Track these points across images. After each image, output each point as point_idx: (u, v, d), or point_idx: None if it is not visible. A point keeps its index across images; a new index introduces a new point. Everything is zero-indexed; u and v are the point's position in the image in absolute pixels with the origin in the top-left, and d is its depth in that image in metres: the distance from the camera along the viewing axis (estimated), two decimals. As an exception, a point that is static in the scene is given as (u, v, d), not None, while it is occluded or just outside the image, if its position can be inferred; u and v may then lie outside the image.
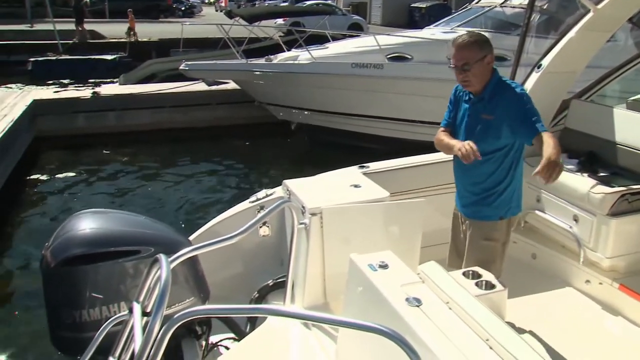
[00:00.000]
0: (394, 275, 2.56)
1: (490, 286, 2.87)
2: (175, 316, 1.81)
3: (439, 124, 3.45)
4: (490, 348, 2.12)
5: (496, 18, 11.50)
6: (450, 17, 12.80)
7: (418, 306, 2.32)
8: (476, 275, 2.96)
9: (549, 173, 2.73)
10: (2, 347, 5.23)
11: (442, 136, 3.35)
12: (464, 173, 3.30)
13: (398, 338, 1.74)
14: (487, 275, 2.97)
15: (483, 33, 9.77)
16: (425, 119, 10.35)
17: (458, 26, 11.42)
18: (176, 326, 1.80)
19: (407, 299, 2.35)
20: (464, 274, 2.97)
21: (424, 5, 31.95)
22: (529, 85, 4.25)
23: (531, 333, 3.20)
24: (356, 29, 23.90)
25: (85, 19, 22.26)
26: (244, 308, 2.14)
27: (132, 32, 22.84)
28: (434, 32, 11.77)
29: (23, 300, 6.05)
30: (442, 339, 2.14)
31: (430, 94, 9.82)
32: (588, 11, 4.07)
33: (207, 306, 2.88)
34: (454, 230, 3.56)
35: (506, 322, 2.37)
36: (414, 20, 31.53)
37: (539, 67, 4.25)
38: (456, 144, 3.14)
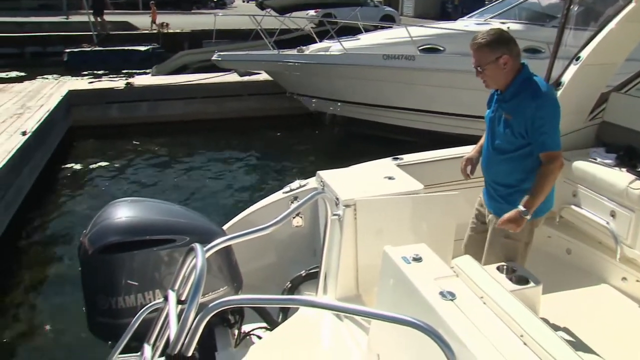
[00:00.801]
0: (427, 268, 2.54)
1: (524, 281, 2.85)
2: (211, 305, 1.83)
3: (470, 116, 3.46)
4: (525, 344, 2.10)
5: (531, 9, 11.32)
6: (484, 8, 12.61)
7: (452, 300, 2.30)
8: (510, 270, 2.94)
9: (508, 226, 3.03)
10: (39, 333, 5.35)
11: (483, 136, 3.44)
12: (488, 168, 3.28)
13: (432, 332, 1.73)
14: (521, 271, 2.94)
15: (520, 23, 9.55)
16: (457, 112, 10.26)
17: (492, 17, 11.27)
18: (211, 315, 1.82)
19: (441, 293, 2.34)
20: (498, 268, 2.95)
21: (457, -3, 31.62)
22: (566, 78, 4.18)
23: (565, 330, 3.16)
24: (388, 21, 23.75)
25: (106, 10, 22.34)
26: (279, 299, 2.15)
27: (162, 24, 23.03)
28: (467, 23, 11.63)
29: (60, 286, 6.16)
30: (476, 334, 2.12)
31: (462, 86, 9.72)
32: (629, 2, 3.98)
33: (242, 296, 2.89)
34: (475, 222, 3.53)
35: (540, 318, 2.34)
36: (447, 12, 31.18)
37: (577, 60, 4.17)
38: (470, 151, 3.49)
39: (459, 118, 10.11)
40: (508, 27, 10.50)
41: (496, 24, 10.73)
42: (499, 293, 2.38)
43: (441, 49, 10.72)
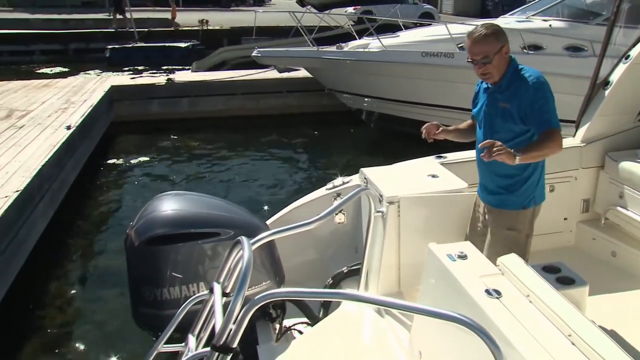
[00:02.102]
0: (473, 266, 2.52)
1: (570, 281, 2.80)
2: (257, 297, 1.85)
3: None
4: (573, 344, 2.07)
5: (574, 6, 11.08)
6: (526, 5, 12.40)
7: (498, 298, 2.28)
8: (556, 270, 2.89)
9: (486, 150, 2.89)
10: (83, 323, 5.46)
11: (463, 123, 3.55)
12: (486, 162, 3.17)
13: (479, 329, 1.72)
14: (567, 270, 2.89)
15: (562, 20, 9.34)
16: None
17: (534, 15, 11.07)
18: (257, 307, 1.84)
19: (486, 290, 2.32)
20: (544, 268, 2.90)
21: (498, -6, 31.13)
22: (614, 77, 4.09)
23: (612, 332, 3.10)
24: (427, 18, 23.57)
25: (126, 8, 22.64)
26: (324, 292, 2.14)
27: (202, 21, 23.24)
28: (508, 21, 11.44)
29: (103, 277, 6.28)
30: (523, 332, 2.10)
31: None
32: (682, -1, 3.88)
33: (288, 289, 2.91)
34: (473, 222, 3.47)
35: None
36: (487, 9, 30.79)
37: (626, 58, 4.08)
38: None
39: None
40: (550, 25, 10.33)
41: (538, 22, 10.56)
42: (545, 292, 2.35)
43: None
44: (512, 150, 2.85)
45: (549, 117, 2.97)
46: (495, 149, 2.84)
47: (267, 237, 2.54)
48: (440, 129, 3.40)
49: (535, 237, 4.08)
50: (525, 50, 9.85)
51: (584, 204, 4.32)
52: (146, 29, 21.99)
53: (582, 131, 4.22)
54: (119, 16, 22.51)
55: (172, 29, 23.89)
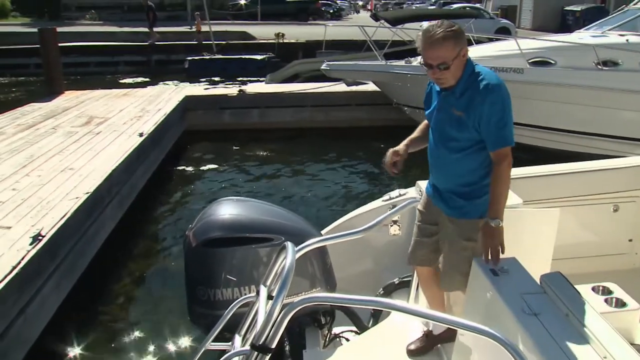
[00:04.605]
0: (515, 282, 2.53)
1: (621, 304, 2.74)
2: (295, 301, 1.92)
3: (581, 133, 3.21)
4: None
5: (654, 20, 10.69)
6: (604, 20, 12.01)
7: (536, 315, 2.28)
8: (607, 291, 2.83)
9: (491, 260, 2.71)
10: (141, 318, 5.70)
11: (417, 129, 3.26)
12: (442, 167, 2.99)
13: (509, 345, 1.74)
14: (619, 292, 2.82)
15: (636, 37, 9.02)
16: (567, 127, 9.83)
17: (610, 29, 10.74)
18: (295, 310, 1.90)
19: (524, 308, 2.32)
20: (593, 289, 2.85)
21: (579, 9, 30.12)
22: None
23: None
24: (504, 34, 23.18)
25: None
26: (363, 299, 2.16)
27: (279, 34, 23.71)
28: (582, 36, 11.14)
29: (164, 277, 6.55)
30: (556, 351, 2.10)
31: (574, 101, 9.37)
32: None
33: (327, 294, 2.98)
34: (422, 226, 3.19)
35: (634, 344, 2.25)
36: (567, 24, 29.88)
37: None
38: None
39: (568, 134, 9.70)
40: (627, 40, 10.01)
41: (614, 37, 10.25)
42: (585, 312, 2.32)
43: (552, 62, 10.31)
44: (492, 224, 2.73)
45: (505, 133, 2.75)
46: (493, 256, 2.71)
47: (313, 245, 2.62)
48: (400, 154, 3.12)
49: (597, 258, 4.01)
50: (599, 67, 9.58)
51: None
52: (224, 42, 22.65)
53: (650, 149, 4.09)
54: (155, 30, 23.50)
55: (252, 41, 24.49)
